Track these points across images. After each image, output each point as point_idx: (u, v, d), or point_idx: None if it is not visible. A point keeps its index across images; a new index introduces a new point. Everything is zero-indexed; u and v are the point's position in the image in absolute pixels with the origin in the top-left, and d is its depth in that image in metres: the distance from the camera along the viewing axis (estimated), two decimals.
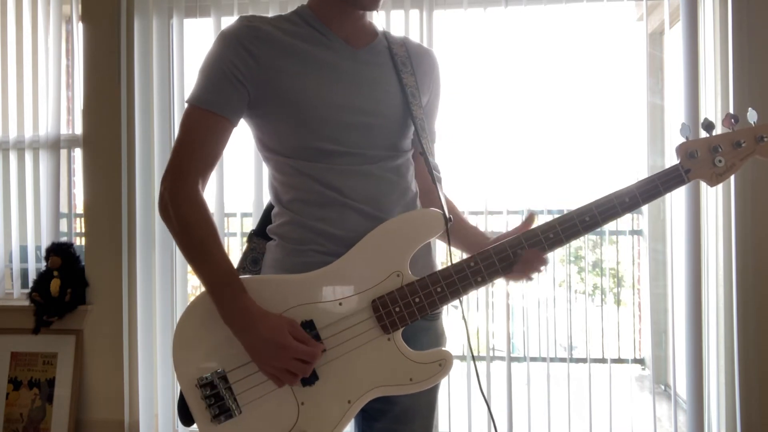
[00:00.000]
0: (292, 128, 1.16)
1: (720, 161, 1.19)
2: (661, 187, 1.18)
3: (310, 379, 1.11)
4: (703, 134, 1.21)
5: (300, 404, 1.11)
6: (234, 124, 1.18)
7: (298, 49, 1.17)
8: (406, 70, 1.25)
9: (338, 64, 1.18)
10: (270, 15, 1.23)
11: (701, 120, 1.22)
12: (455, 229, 1.31)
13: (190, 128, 1.16)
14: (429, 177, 1.25)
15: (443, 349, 1.16)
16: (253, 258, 1.24)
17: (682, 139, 1.20)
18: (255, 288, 1.12)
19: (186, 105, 1.18)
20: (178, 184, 1.14)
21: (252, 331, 1.08)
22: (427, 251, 1.26)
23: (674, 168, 1.19)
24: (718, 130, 1.20)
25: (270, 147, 1.21)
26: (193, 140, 1.15)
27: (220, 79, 1.14)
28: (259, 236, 1.26)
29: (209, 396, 1.11)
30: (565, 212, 1.20)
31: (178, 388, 1.17)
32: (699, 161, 1.19)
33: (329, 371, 1.12)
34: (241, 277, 1.13)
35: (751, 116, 1.19)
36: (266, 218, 1.26)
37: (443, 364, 1.13)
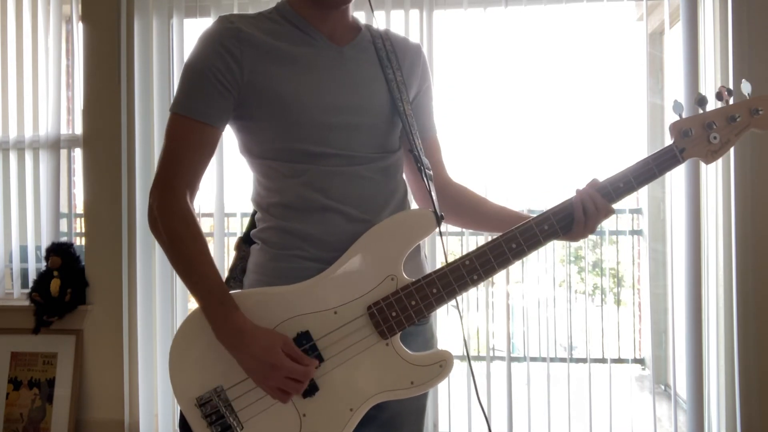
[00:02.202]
0: (277, 130, 1.13)
1: (715, 138, 1.15)
2: (655, 169, 1.14)
3: (311, 390, 1.09)
4: (694, 111, 1.16)
5: (302, 416, 1.09)
6: (220, 130, 1.15)
7: (281, 50, 1.13)
8: (392, 65, 1.21)
9: (322, 63, 1.15)
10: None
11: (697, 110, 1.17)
12: (478, 212, 1.29)
13: (175, 138, 1.13)
14: (419, 174, 1.20)
15: (444, 350, 1.13)
16: (242, 267, 1.21)
17: (676, 118, 1.16)
18: (248, 303, 1.09)
19: (169, 113, 1.14)
20: (167, 198, 1.11)
21: (245, 350, 1.06)
22: (416, 251, 1.22)
23: (668, 148, 1.14)
24: (711, 105, 1.16)
25: (254, 151, 1.18)
26: (180, 151, 1.12)
27: (204, 85, 1.11)
28: (247, 243, 1.22)
29: (210, 414, 1.09)
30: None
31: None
32: (694, 139, 1.14)
33: (329, 381, 1.10)
34: (234, 292, 1.10)
35: (745, 88, 1.15)
36: (253, 225, 1.24)
37: (444, 365, 1.11)
